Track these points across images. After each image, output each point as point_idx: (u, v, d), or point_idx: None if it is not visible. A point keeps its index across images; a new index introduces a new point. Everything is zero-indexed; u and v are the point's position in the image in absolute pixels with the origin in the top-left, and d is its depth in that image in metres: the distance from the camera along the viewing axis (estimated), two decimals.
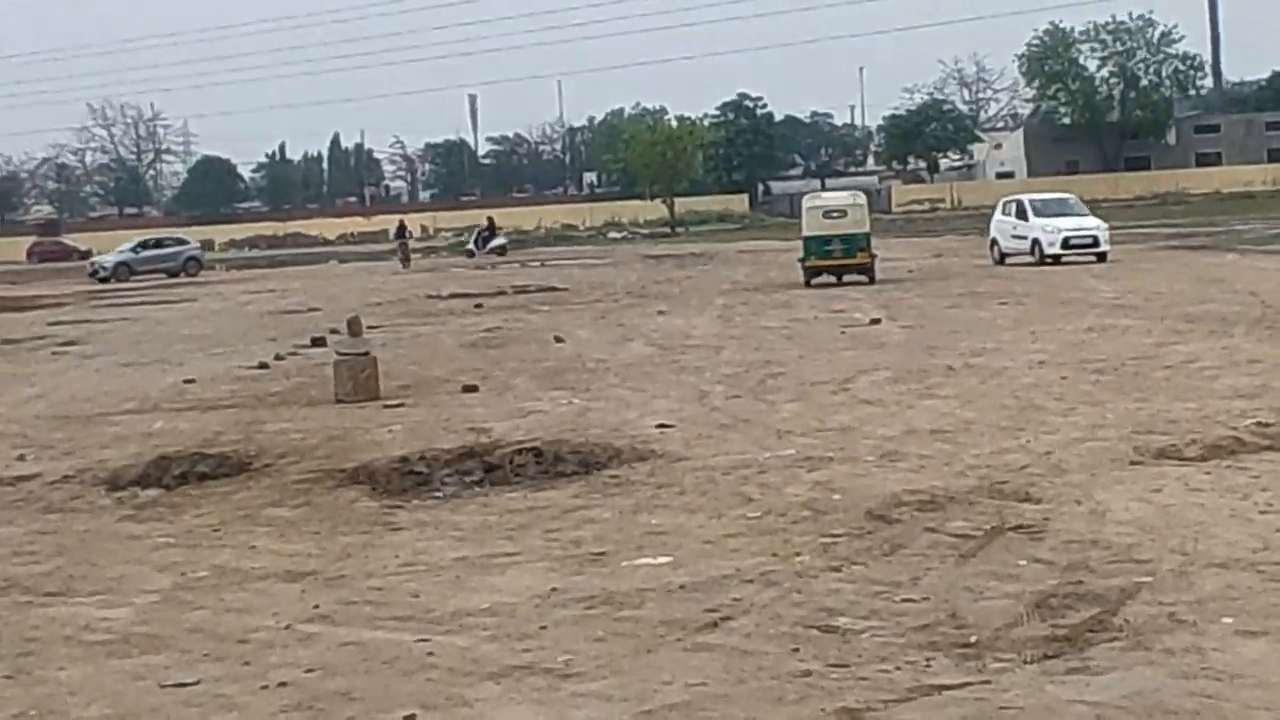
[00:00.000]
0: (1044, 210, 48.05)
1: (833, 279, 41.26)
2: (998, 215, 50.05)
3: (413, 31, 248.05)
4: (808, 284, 41.15)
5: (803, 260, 42.33)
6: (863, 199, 44.83)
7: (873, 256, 42.23)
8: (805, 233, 42.52)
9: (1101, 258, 45.42)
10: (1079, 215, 48.30)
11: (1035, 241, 46.35)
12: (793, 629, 8.89)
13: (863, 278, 41.17)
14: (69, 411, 21.03)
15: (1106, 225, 47.91)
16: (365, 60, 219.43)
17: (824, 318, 30.57)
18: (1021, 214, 48.15)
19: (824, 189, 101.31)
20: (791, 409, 17.77)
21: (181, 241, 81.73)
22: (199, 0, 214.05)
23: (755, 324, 30.09)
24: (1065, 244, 45.70)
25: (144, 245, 79.16)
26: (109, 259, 77.72)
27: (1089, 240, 46.04)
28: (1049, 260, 45.12)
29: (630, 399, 19.37)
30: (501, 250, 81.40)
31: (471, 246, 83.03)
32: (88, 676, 8.74)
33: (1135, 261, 45.44)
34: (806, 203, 44.64)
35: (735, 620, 9.14)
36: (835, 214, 42.53)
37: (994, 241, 49.40)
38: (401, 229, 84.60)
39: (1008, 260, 47.40)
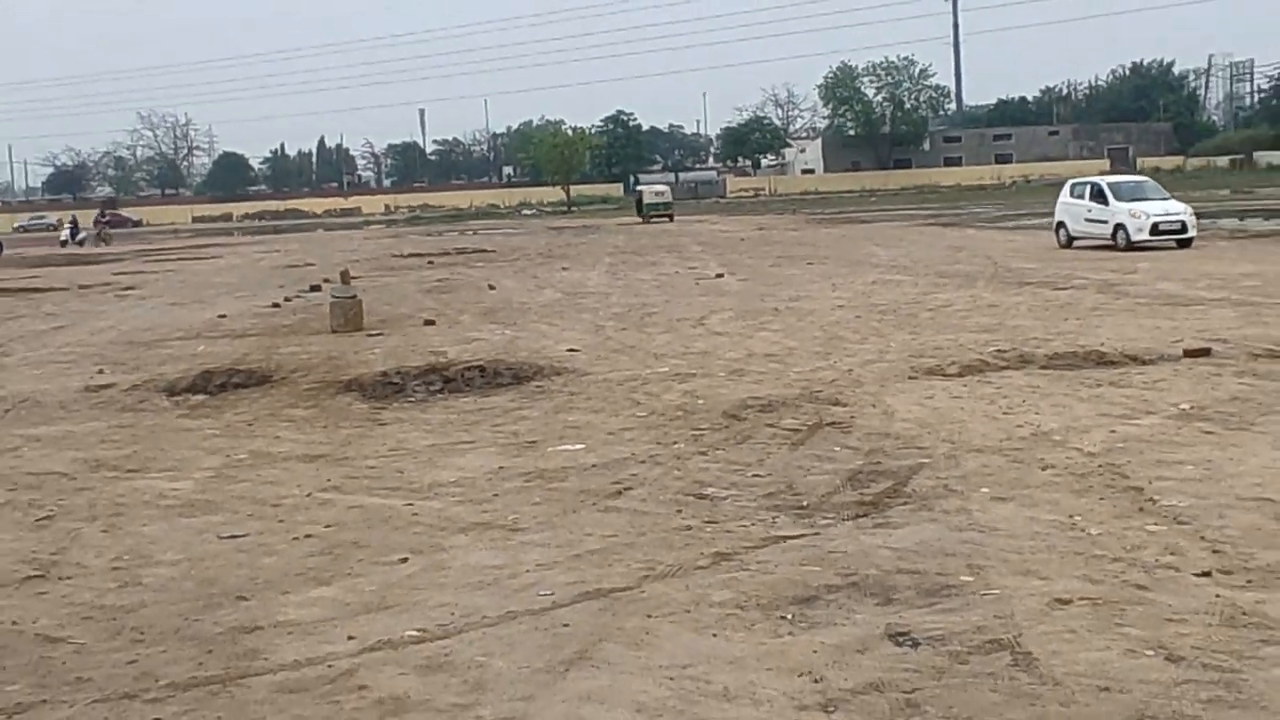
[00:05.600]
0: (1125, 193, 33.79)
1: (659, 221, 68.97)
2: (1065, 198, 35.33)
3: (377, 63, 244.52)
4: (644, 223, 68.11)
5: (641, 213, 71.58)
6: (667, 187, 79.55)
7: (673, 213, 71.85)
8: (645, 201, 72.85)
9: (1185, 244, 31.70)
10: (1162, 199, 33.80)
11: (1119, 226, 32.37)
12: (675, 496, 8.93)
13: (667, 220, 69.27)
14: (133, 338, 20.69)
15: (1192, 210, 33.41)
16: (345, 82, 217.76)
17: (682, 273, 30.51)
18: (1099, 197, 33.65)
19: (661, 181, 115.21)
20: (663, 339, 17.77)
21: None
22: (225, 31, 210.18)
23: (633, 277, 29.98)
24: (1154, 229, 31.87)
25: None
26: None
27: (1177, 225, 32.02)
28: (1135, 247, 31.41)
29: (546, 331, 19.30)
30: (82, 243, 72.82)
31: (65, 237, 74.83)
32: (164, 531, 8.66)
33: (901, 234, 45.61)
34: (644, 187, 78.93)
35: (634, 490, 9.17)
36: (658, 193, 74.46)
37: (1060, 225, 34.83)
38: (87, 219, 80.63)
39: (1076, 244, 33.68)
